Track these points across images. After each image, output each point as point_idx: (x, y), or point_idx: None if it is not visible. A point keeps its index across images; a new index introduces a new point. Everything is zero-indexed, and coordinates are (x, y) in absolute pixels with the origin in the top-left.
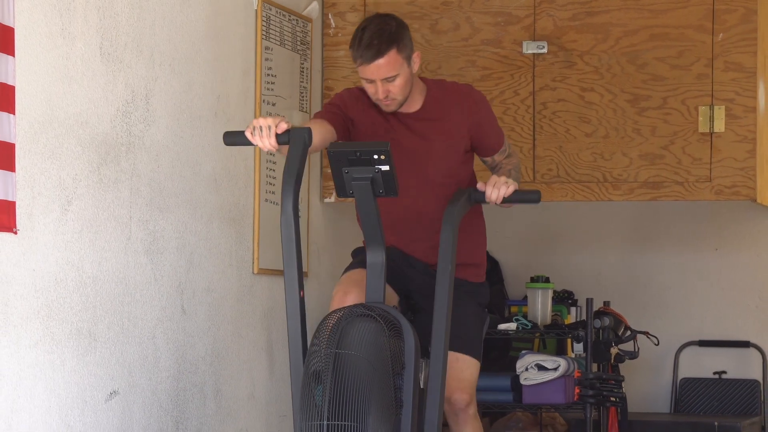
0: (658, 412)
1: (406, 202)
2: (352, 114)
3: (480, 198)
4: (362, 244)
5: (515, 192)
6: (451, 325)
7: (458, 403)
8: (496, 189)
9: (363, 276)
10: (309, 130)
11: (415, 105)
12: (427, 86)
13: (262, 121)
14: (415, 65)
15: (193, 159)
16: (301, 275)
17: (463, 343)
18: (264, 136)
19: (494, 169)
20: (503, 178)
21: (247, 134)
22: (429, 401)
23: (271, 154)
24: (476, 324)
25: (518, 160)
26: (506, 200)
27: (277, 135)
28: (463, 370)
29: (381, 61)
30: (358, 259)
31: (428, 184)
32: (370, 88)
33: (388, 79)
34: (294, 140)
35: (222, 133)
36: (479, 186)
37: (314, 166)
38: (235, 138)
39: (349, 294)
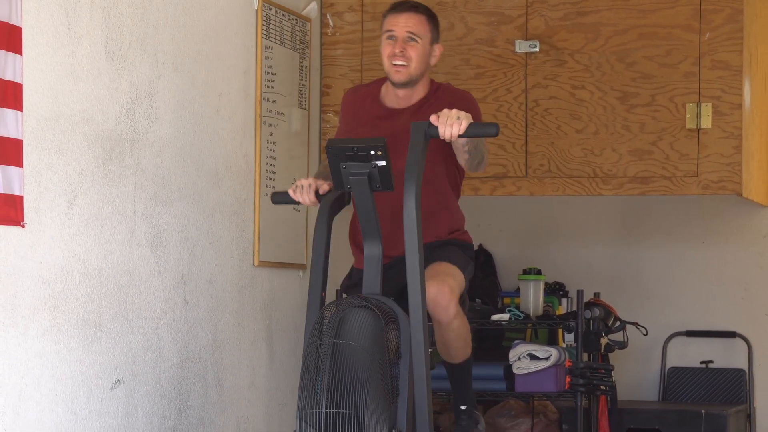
0: (646, 401)
1: (387, 197)
2: (351, 125)
3: (434, 133)
4: (348, 276)
5: (471, 126)
6: (433, 258)
7: (436, 299)
8: (449, 126)
9: None
10: (342, 195)
11: (413, 101)
12: (432, 87)
13: (304, 181)
14: (435, 57)
15: (196, 155)
16: (326, 277)
17: (446, 256)
18: (305, 193)
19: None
20: (454, 111)
21: (290, 192)
22: (416, 390)
23: (271, 150)
24: (459, 253)
25: (485, 141)
26: (462, 136)
27: (317, 194)
28: (442, 268)
29: (413, 14)
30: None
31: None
32: (387, 47)
33: (410, 38)
34: (324, 202)
35: (222, 129)
36: (432, 119)
37: (313, 162)
38: (281, 197)
39: None
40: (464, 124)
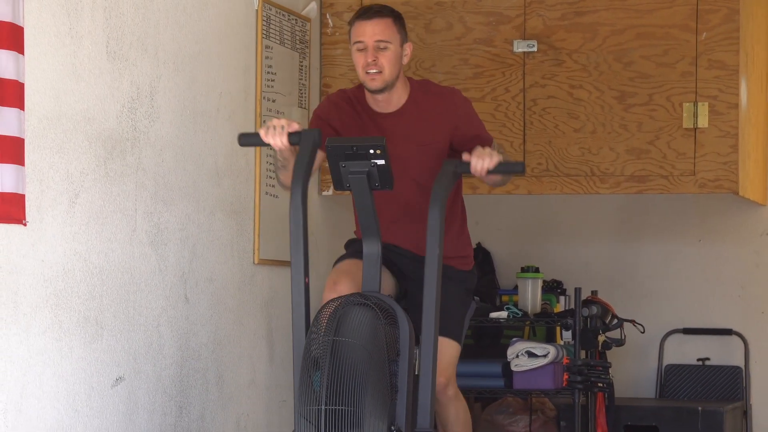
0: (643, 398)
1: (387, 199)
2: (334, 122)
3: (465, 169)
4: (354, 236)
5: (500, 163)
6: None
7: (437, 386)
8: (481, 159)
9: (352, 266)
10: (319, 131)
11: (396, 103)
12: (411, 87)
13: (276, 122)
14: (406, 56)
15: (196, 153)
16: (308, 262)
17: (443, 326)
18: (276, 135)
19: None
20: (487, 149)
21: (261, 133)
22: (421, 387)
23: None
24: (459, 308)
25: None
26: (491, 172)
27: (289, 134)
28: (440, 351)
29: (378, 21)
30: (350, 250)
31: (404, 185)
32: (359, 58)
33: (379, 45)
34: (304, 139)
35: (223, 128)
36: (464, 157)
37: None
38: (249, 139)
39: (339, 284)
40: (495, 160)
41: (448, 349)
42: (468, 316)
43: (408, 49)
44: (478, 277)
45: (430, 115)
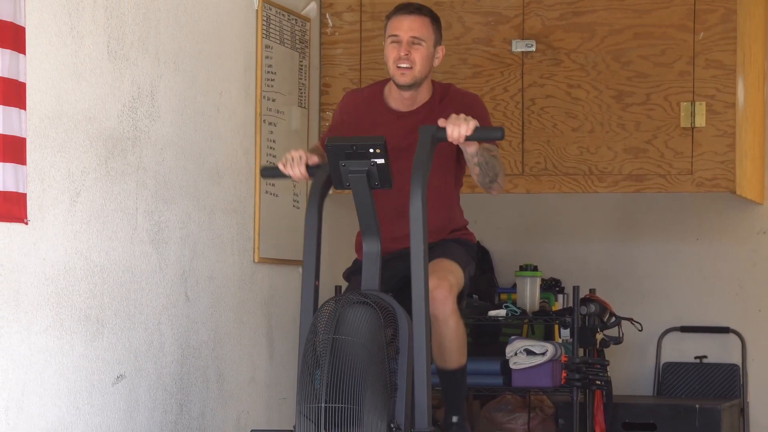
0: (641, 395)
1: (390, 197)
2: (348, 120)
3: (442, 136)
4: (351, 265)
5: (477, 129)
6: (435, 254)
7: (433, 294)
8: (457, 127)
9: None
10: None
11: (416, 104)
12: (434, 89)
13: (294, 153)
14: (438, 59)
15: (197, 153)
16: (319, 266)
17: (448, 252)
18: (295, 166)
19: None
20: (462, 115)
21: (280, 166)
22: (416, 385)
23: (271, 148)
24: (461, 250)
25: (501, 163)
26: (469, 138)
27: (307, 166)
28: (443, 265)
29: (416, 17)
30: (352, 283)
31: (408, 182)
32: (392, 50)
33: (413, 41)
34: (321, 171)
35: (223, 127)
36: (440, 123)
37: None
38: (270, 171)
39: None
40: (471, 125)
41: (451, 265)
42: (468, 272)
43: (440, 51)
44: (477, 276)
45: (446, 115)
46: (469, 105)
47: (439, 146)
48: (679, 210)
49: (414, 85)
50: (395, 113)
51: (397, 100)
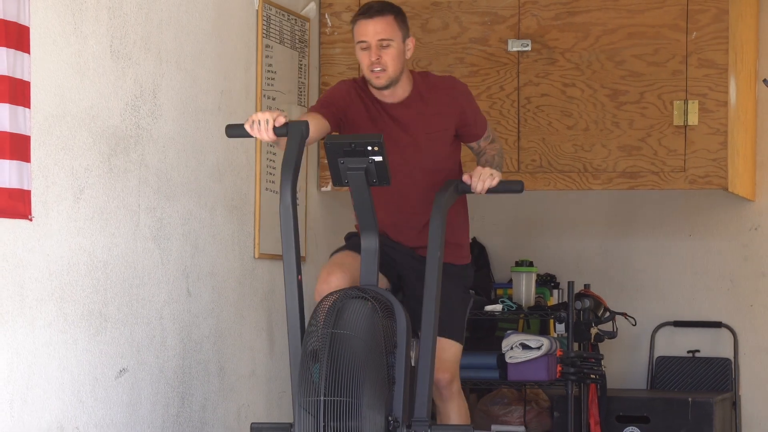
0: (635, 389)
1: (392, 190)
2: (343, 105)
3: (466, 189)
4: (355, 229)
5: (500, 183)
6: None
7: (441, 381)
8: (481, 181)
9: (347, 258)
10: (306, 123)
11: (401, 95)
12: (414, 79)
13: (260, 115)
14: (409, 51)
15: (198, 150)
16: (299, 260)
17: (446, 328)
18: (262, 129)
19: (479, 155)
20: (488, 170)
21: (246, 127)
22: (419, 379)
23: (270, 145)
24: (460, 308)
25: (500, 145)
26: (491, 191)
27: (275, 128)
28: (445, 350)
29: (380, 19)
30: (348, 243)
31: (414, 172)
32: (363, 57)
33: (382, 44)
34: (292, 133)
35: (224, 125)
36: (465, 178)
37: (312, 157)
38: (236, 130)
39: (332, 275)
40: (496, 180)
41: (452, 348)
42: (467, 311)
43: (411, 43)
44: (474, 271)
45: (435, 103)
46: (458, 94)
47: (443, 154)
48: (672, 207)
49: (390, 85)
50: (386, 104)
51: (380, 94)
